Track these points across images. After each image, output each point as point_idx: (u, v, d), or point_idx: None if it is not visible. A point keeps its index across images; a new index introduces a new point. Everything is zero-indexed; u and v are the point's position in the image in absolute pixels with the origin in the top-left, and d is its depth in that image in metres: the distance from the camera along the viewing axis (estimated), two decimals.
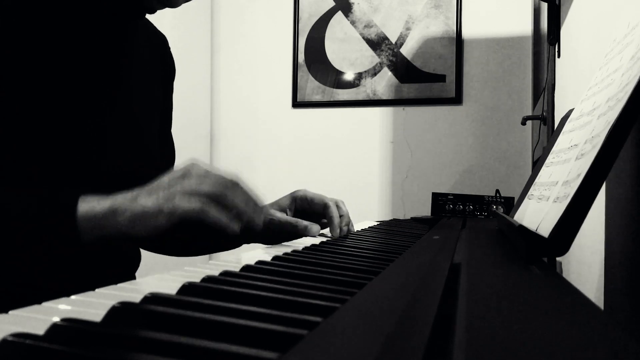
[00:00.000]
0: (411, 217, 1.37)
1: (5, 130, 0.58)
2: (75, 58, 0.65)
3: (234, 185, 0.52)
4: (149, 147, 0.78)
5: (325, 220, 0.80)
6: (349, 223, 0.81)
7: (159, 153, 0.82)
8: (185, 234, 0.66)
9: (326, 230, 0.80)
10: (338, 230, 0.76)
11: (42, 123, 0.60)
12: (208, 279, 0.37)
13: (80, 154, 0.64)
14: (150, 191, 0.52)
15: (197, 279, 0.36)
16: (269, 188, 1.47)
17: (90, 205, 0.52)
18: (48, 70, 0.62)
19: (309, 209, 0.81)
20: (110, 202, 0.52)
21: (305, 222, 0.76)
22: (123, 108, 0.71)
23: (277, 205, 0.83)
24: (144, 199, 0.51)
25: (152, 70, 0.81)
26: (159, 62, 0.85)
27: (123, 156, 0.70)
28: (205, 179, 0.51)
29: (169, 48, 0.89)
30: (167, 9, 0.74)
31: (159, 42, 0.86)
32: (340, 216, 0.79)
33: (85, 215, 0.51)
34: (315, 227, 0.74)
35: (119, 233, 0.52)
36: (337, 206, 0.80)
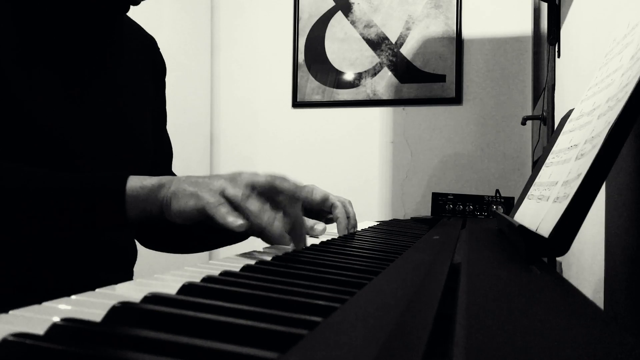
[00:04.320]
0: (411, 217, 1.37)
1: None
2: (59, 51, 0.65)
3: (250, 196, 0.53)
4: (139, 140, 0.78)
5: (330, 216, 0.79)
6: (355, 225, 0.79)
7: (152, 147, 0.82)
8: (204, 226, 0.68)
9: (330, 227, 0.79)
10: (345, 232, 0.75)
11: (26, 115, 0.60)
12: (208, 279, 0.37)
13: (65, 146, 0.64)
14: (199, 178, 0.55)
15: (197, 278, 0.36)
16: None
17: (139, 179, 0.55)
18: (32, 62, 0.62)
19: (315, 206, 0.80)
20: (161, 178, 0.56)
21: (311, 222, 0.75)
22: (109, 101, 0.71)
23: None
24: (189, 182, 0.55)
25: (141, 68, 0.81)
26: (148, 60, 0.85)
27: (111, 148, 0.70)
28: (236, 182, 0.54)
29: (158, 48, 0.90)
30: (157, 6, 0.74)
31: (147, 42, 0.87)
32: (348, 217, 0.78)
33: (133, 188, 0.54)
34: (320, 225, 0.73)
35: (157, 208, 0.55)
36: (344, 206, 0.79)
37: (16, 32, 0.61)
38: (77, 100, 0.66)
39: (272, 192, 0.55)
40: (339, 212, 0.77)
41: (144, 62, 0.84)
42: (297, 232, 0.57)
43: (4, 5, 0.61)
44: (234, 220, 0.51)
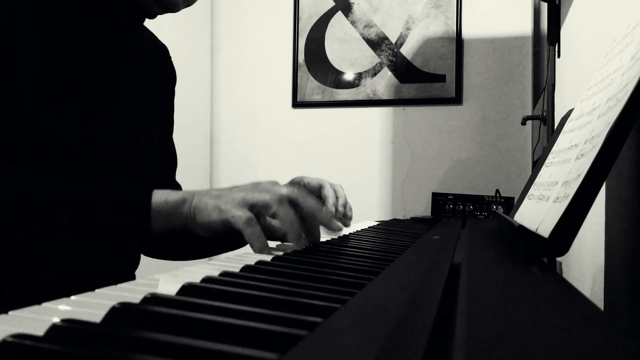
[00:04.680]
0: (411, 217, 1.37)
1: (9, 134, 0.59)
2: (77, 59, 0.66)
3: (283, 202, 0.54)
4: (147, 153, 0.78)
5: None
6: (346, 205, 0.82)
7: (157, 155, 0.83)
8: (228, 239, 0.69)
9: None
10: (333, 209, 0.78)
11: (37, 123, 0.60)
12: (208, 280, 0.36)
13: (73, 156, 0.64)
14: (220, 191, 0.56)
15: (196, 279, 0.36)
16: None
17: (163, 195, 0.56)
18: (48, 70, 0.62)
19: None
20: (183, 194, 0.57)
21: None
22: (121, 113, 0.72)
23: None
24: (210, 196, 0.55)
25: (152, 76, 0.82)
26: (159, 69, 0.85)
27: (119, 160, 0.71)
28: (263, 191, 0.55)
29: (170, 57, 0.90)
30: (166, 13, 0.75)
31: (160, 51, 0.88)
32: (337, 198, 0.82)
33: (158, 202, 0.55)
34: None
35: (181, 223, 0.56)
36: (334, 189, 0.83)
37: (35, 39, 0.62)
38: (89, 111, 0.67)
39: (293, 206, 0.56)
40: (326, 190, 0.82)
41: (156, 72, 0.84)
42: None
43: (24, 17, 0.62)
44: (260, 247, 0.53)
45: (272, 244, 0.60)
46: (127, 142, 0.73)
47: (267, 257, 0.49)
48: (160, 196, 0.56)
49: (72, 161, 0.64)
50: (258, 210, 0.54)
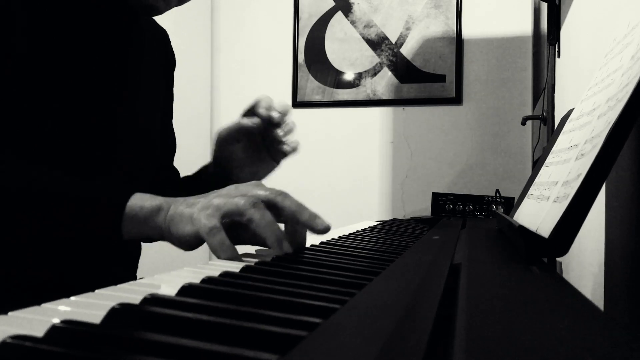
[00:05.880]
0: (411, 217, 1.37)
1: (16, 125, 0.59)
2: (84, 56, 0.66)
3: (259, 206, 0.50)
4: (152, 140, 0.79)
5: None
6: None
7: (159, 140, 0.83)
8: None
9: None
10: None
11: (52, 119, 0.61)
12: (208, 280, 0.36)
13: (89, 149, 0.64)
14: (197, 198, 0.52)
15: (196, 279, 0.36)
16: None
17: (142, 199, 0.53)
18: (57, 68, 0.62)
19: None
20: (160, 201, 0.53)
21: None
22: (130, 104, 0.72)
23: None
24: (186, 204, 0.52)
25: (155, 66, 0.82)
26: (160, 57, 0.86)
27: (130, 151, 0.71)
28: (237, 196, 0.51)
29: (170, 42, 0.90)
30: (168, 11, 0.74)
31: (160, 37, 0.88)
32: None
33: (133, 207, 0.52)
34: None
35: (157, 233, 0.53)
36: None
37: (42, 38, 0.61)
38: (95, 101, 0.66)
39: (271, 209, 0.52)
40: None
41: (158, 59, 0.84)
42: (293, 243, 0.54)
43: (28, 13, 0.61)
44: (225, 257, 0.49)
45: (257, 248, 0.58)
46: (134, 137, 0.73)
47: (267, 258, 0.49)
48: (138, 200, 0.53)
49: (76, 149, 0.64)
50: (232, 218, 0.50)
